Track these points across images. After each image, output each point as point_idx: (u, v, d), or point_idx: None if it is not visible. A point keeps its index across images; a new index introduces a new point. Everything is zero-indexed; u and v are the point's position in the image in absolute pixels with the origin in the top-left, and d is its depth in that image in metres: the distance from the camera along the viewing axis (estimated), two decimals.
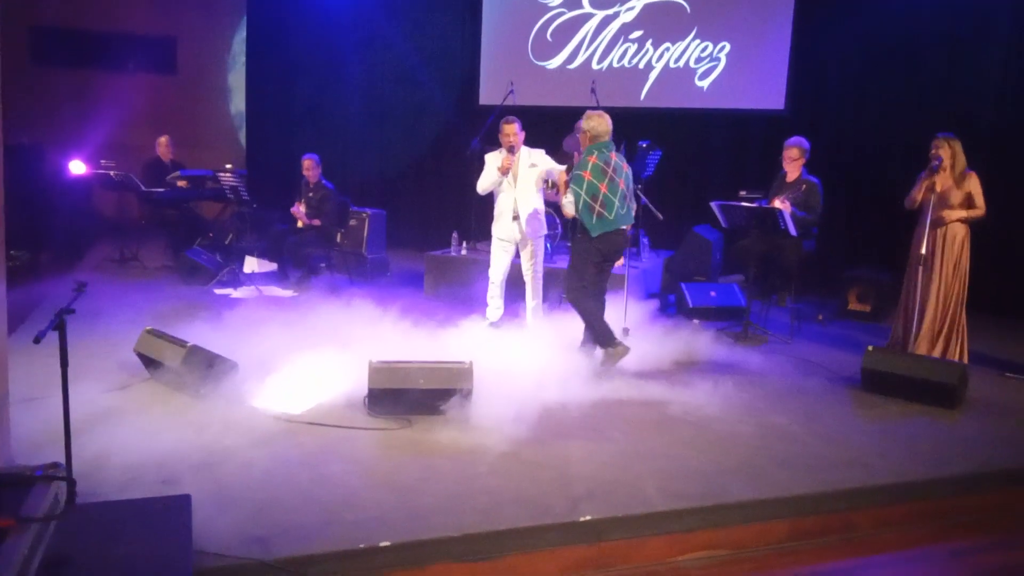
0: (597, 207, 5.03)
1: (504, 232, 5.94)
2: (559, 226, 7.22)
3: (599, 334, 5.17)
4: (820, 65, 8.10)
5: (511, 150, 5.78)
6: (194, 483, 3.32)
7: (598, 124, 5.15)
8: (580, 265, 5.20)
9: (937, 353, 5.46)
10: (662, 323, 6.22)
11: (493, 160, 5.86)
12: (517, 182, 5.82)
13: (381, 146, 10.35)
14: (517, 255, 6.05)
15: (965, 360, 5.43)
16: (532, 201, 5.88)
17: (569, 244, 5.71)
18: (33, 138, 9.39)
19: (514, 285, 6.17)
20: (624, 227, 5.24)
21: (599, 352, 5.20)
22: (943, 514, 3.75)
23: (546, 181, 5.85)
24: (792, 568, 3.35)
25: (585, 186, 5.02)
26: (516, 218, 5.86)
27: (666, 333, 5.89)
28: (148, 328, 4.75)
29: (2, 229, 3.22)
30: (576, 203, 5.06)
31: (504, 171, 5.79)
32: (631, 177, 5.29)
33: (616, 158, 5.18)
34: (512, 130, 5.77)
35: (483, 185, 5.92)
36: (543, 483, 3.52)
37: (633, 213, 5.39)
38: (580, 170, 5.09)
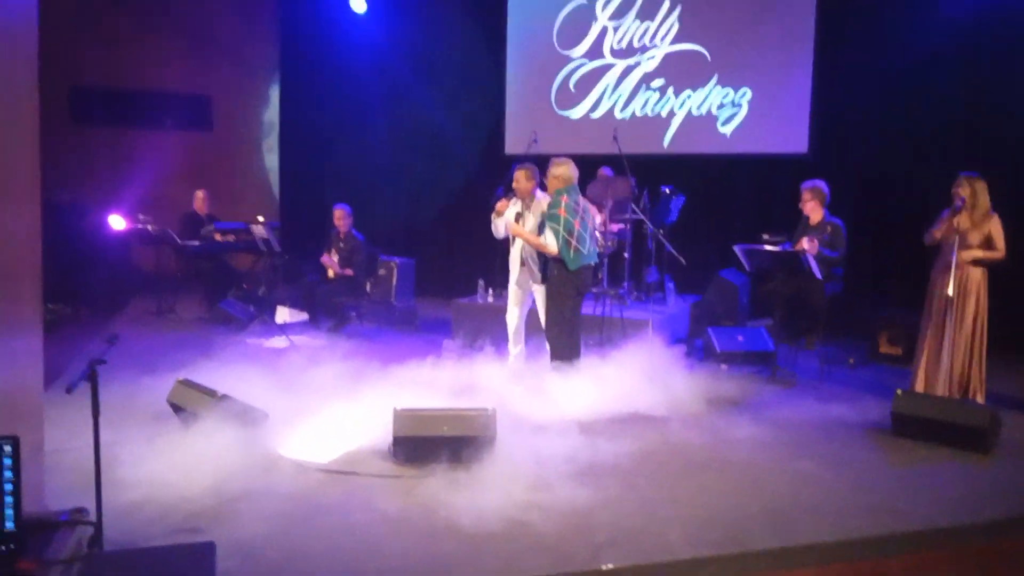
0: (574, 242, 5.46)
1: (514, 275, 6.12)
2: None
3: (559, 364, 5.54)
4: (842, 107, 8.12)
5: (509, 194, 5.99)
6: (220, 531, 3.37)
7: (567, 170, 5.60)
8: (561, 300, 5.57)
9: (956, 396, 5.37)
10: (689, 368, 6.19)
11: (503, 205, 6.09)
12: (526, 228, 5.92)
13: (410, 196, 10.54)
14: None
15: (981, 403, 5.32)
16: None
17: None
18: (74, 195, 9.74)
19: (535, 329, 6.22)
20: (591, 264, 5.68)
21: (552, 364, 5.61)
22: (976, 561, 3.66)
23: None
24: None
25: (562, 223, 5.43)
26: (523, 264, 6.01)
27: (693, 378, 5.86)
28: (180, 379, 4.87)
29: (39, 284, 3.35)
30: (556, 239, 5.45)
31: (497, 212, 6.02)
32: (594, 219, 5.79)
33: (583, 201, 5.64)
34: (517, 176, 5.95)
35: (494, 229, 6.16)
36: (565, 530, 3.51)
37: (597, 251, 5.84)
38: (555, 208, 5.49)
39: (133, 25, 10.77)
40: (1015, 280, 6.15)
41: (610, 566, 3.22)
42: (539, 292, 6.04)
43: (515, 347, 6.17)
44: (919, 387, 5.56)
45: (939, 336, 5.47)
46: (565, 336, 5.56)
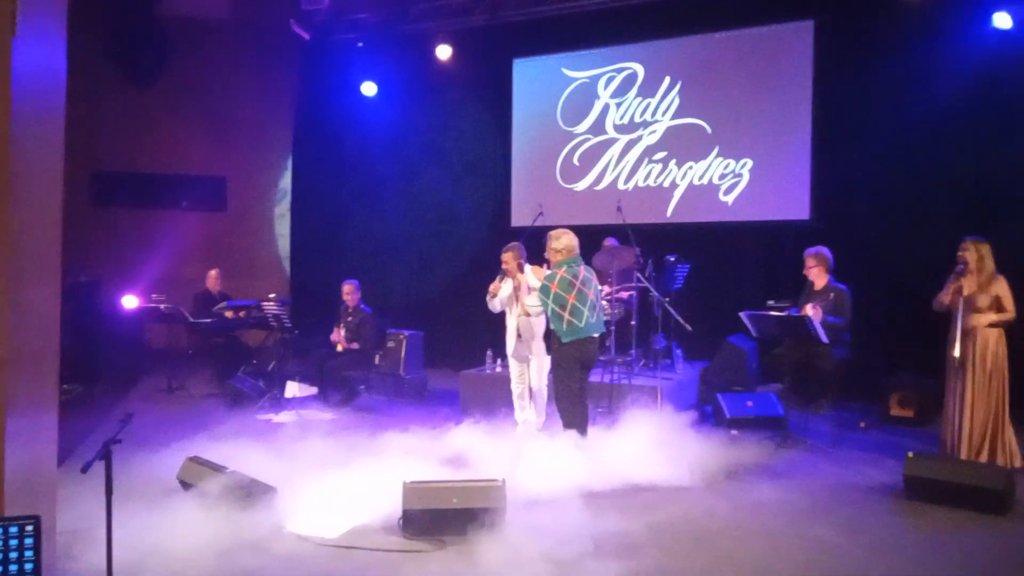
0: (566, 316, 5.43)
1: (512, 350, 6.31)
2: None
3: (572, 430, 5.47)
4: (842, 173, 8.25)
5: (502, 275, 6.20)
6: None
7: (566, 241, 5.62)
8: (565, 374, 5.53)
9: (983, 460, 5.32)
10: (700, 435, 6.15)
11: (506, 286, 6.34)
12: (518, 304, 6.17)
13: (419, 269, 10.72)
14: None
15: (1017, 465, 5.26)
16: (533, 322, 6.19)
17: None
18: (92, 275, 9.93)
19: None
20: (596, 335, 5.61)
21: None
22: None
23: None
24: None
25: (552, 296, 5.46)
26: (520, 337, 6.22)
27: (704, 445, 5.84)
28: (190, 456, 4.90)
29: (57, 365, 3.42)
30: (545, 312, 5.56)
31: (491, 294, 6.26)
32: (599, 288, 5.77)
33: (584, 272, 5.59)
34: (505, 258, 6.23)
35: (490, 307, 6.42)
36: None
37: (604, 322, 5.79)
38: (548, 282, 5.54)
39: (152, 110, 11.18)
40: None
41: None
42: (534, 362, 6.25)
43: (521, 415, 6.25)
44: (946, 451, 5.51)
45: (955, 400, 5.46)
46: (573, 407, 5.54)
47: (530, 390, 6.30)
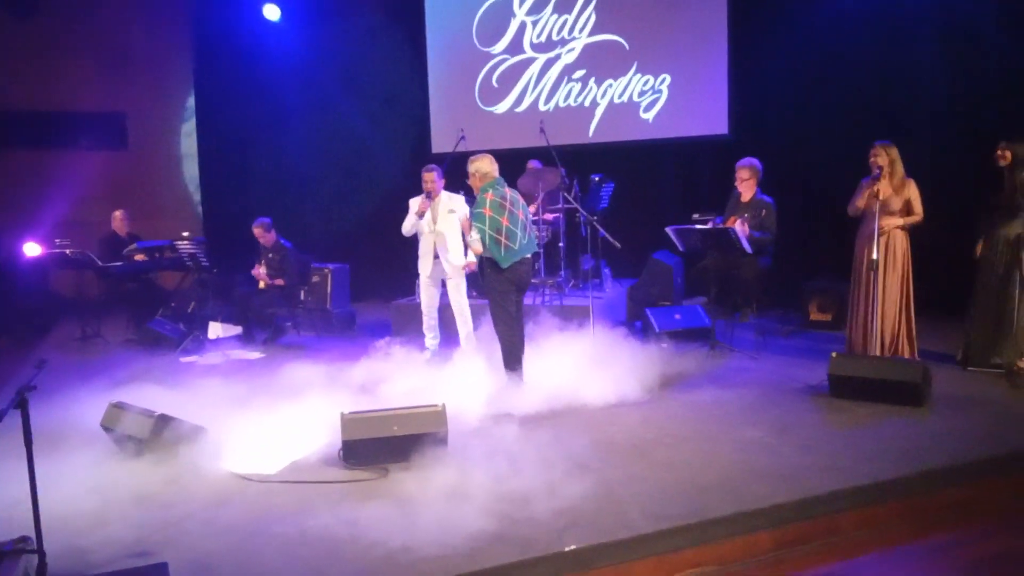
0: (503, 240, 5.30)
1: (427, 270, 6.38)
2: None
3: (510, 361, 5.43)
4: (759, 87, 8.32)
5: (428, 195, 6.21)
6: (171, 552, 3.26)
7: (484, 165, 5.46)
8: (501, 298, 5.43)
9: (888, 354, 5.59)
10: (631, 350, 6.25)
11: (414, 204, 6.35)
12: (436, 225, 6.22)
13: (340, 200, 10.39)
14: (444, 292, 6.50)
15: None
16: (451, 242, 6.28)
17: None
18: None
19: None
20: (528, 256, 5.52)
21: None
22: (921, 510, 3.80)
23: None
24: None
25: (487, 222, 5.29)
26: (437, 258, 6.30)
27: (636, 359, 5.92)
28: (113, 402, 4.68)
29: None
30: (483, 239, 5.32)
31: (419, 214, 6.24)
32: (527, 208, 5.64)
33: (511, 192, 5.47)
34: (429, 178, 6.23)
35: (405, 227, 6.40)
36: (525, 517, 3.50)
37: (536, 241, 5.71)
38: (479, 208, 5.35)
39: (41, 45, 10.36)
40: (932, 243, 6.41)
41: (573, 547, 3.23)
42: (452, 284, 6.29)
43: (432, 342, 6.47)
44: (855, 350, 5.75)
45: (869, 300, 5.66)
46: (511, 331, 5.49)
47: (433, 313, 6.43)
